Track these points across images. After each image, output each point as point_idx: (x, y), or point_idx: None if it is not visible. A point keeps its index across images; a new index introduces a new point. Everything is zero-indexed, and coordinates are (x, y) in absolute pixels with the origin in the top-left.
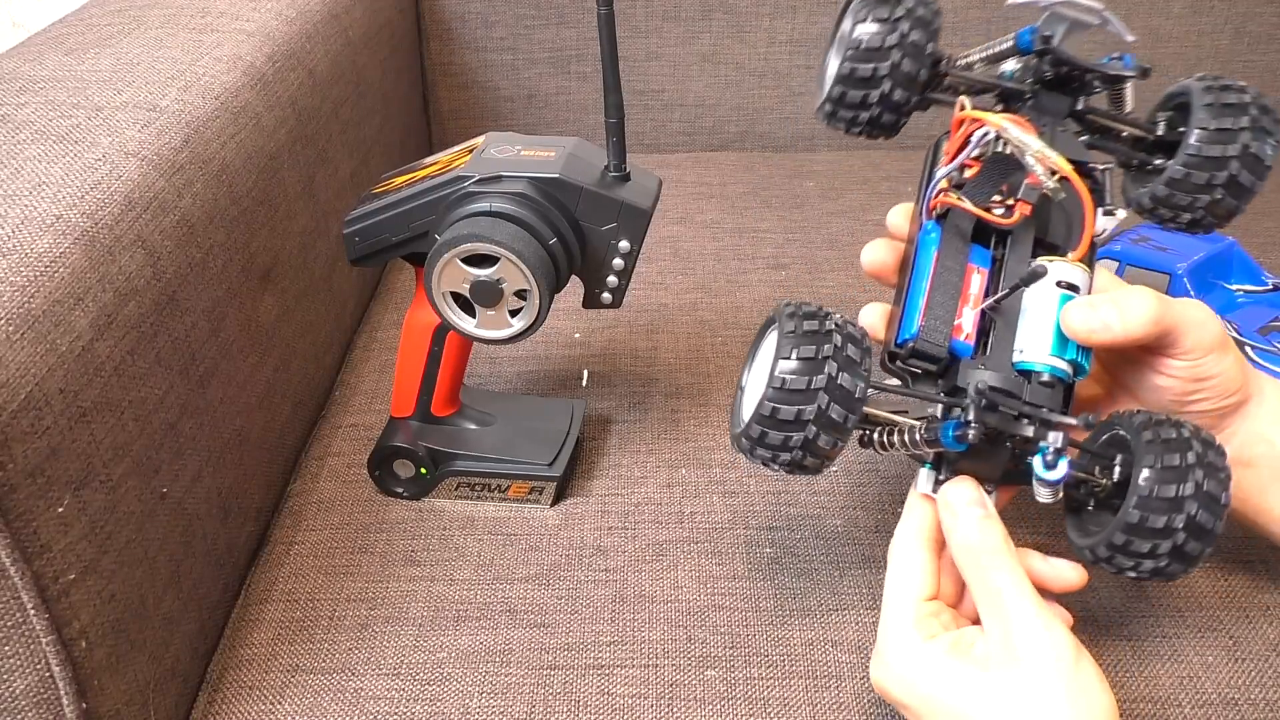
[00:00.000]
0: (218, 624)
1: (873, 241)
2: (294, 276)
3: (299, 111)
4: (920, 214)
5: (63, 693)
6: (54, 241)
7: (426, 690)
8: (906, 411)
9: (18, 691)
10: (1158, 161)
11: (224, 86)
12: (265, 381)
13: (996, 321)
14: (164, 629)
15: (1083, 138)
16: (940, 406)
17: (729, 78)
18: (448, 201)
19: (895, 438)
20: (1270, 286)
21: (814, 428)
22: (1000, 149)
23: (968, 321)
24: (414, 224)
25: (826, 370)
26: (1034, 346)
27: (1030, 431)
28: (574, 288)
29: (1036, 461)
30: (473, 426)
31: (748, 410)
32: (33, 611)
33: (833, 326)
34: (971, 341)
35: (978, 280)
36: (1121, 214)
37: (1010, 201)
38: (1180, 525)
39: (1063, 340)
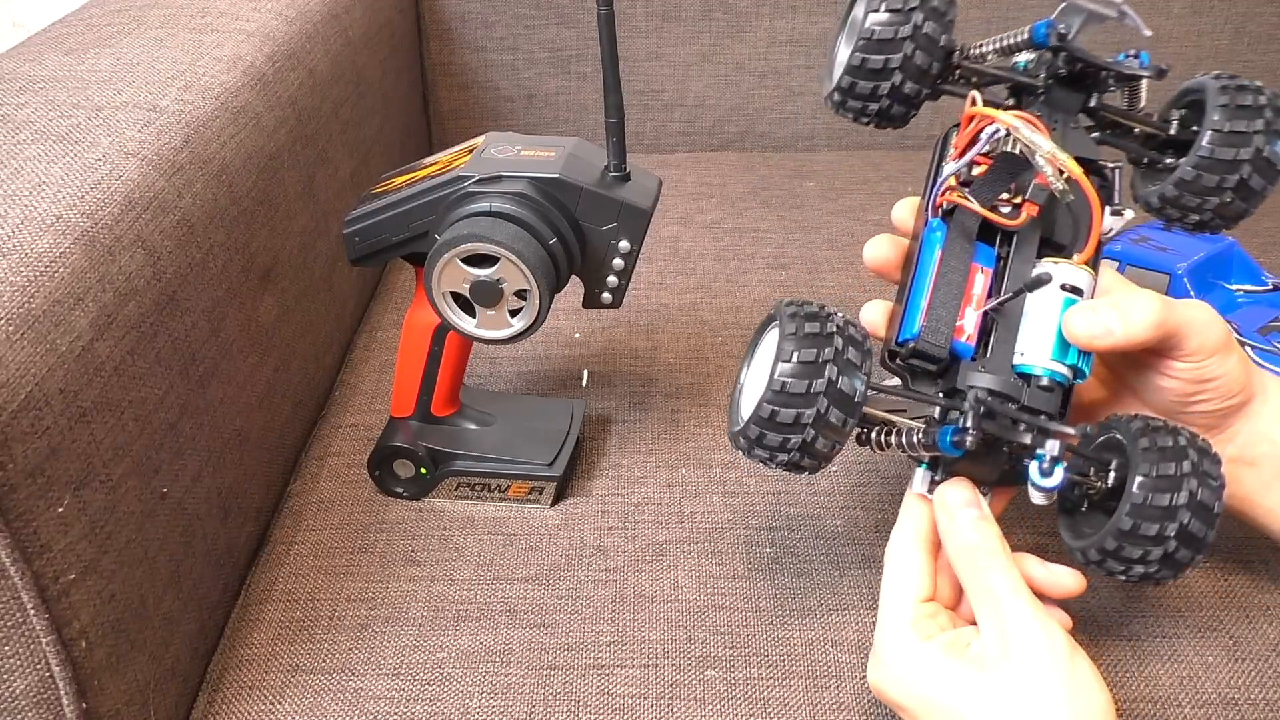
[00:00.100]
0: (218, 624)
1: (876, 237)
2: (294, 276)
3: (299, 111)
4: (926, 210)
5: (63, 693)
6: (54, 241)
7: (426, 690)
8: (905, 409)
9: (18, 691)
10: (1168, 160)
11: (224, 86)
12: (265, 381)
13: (998, 323)
14: (164, 629)
15: (1094, 134)
16: (938, 409)
17: (729, 78)
18: (448, 201)
19: (893, 438)
20: (1270, 286)
21: (812, 430)
22: (1010, 147)
23: (969, 322)
24: (414, 224)
25: (826, 374)
26: (1035, 350)
27: (1028, 439)
28: (574, 288)
29: (1033, 467)
30: (473, 426)
31: (746, 409)
32: (33, 611)
33: (834, 329)
34: (973, 343)
35: (981, 280)
36: (1129, 214)
37: (1018, 201)
38: (1172, 534)
39: (1064, 344)
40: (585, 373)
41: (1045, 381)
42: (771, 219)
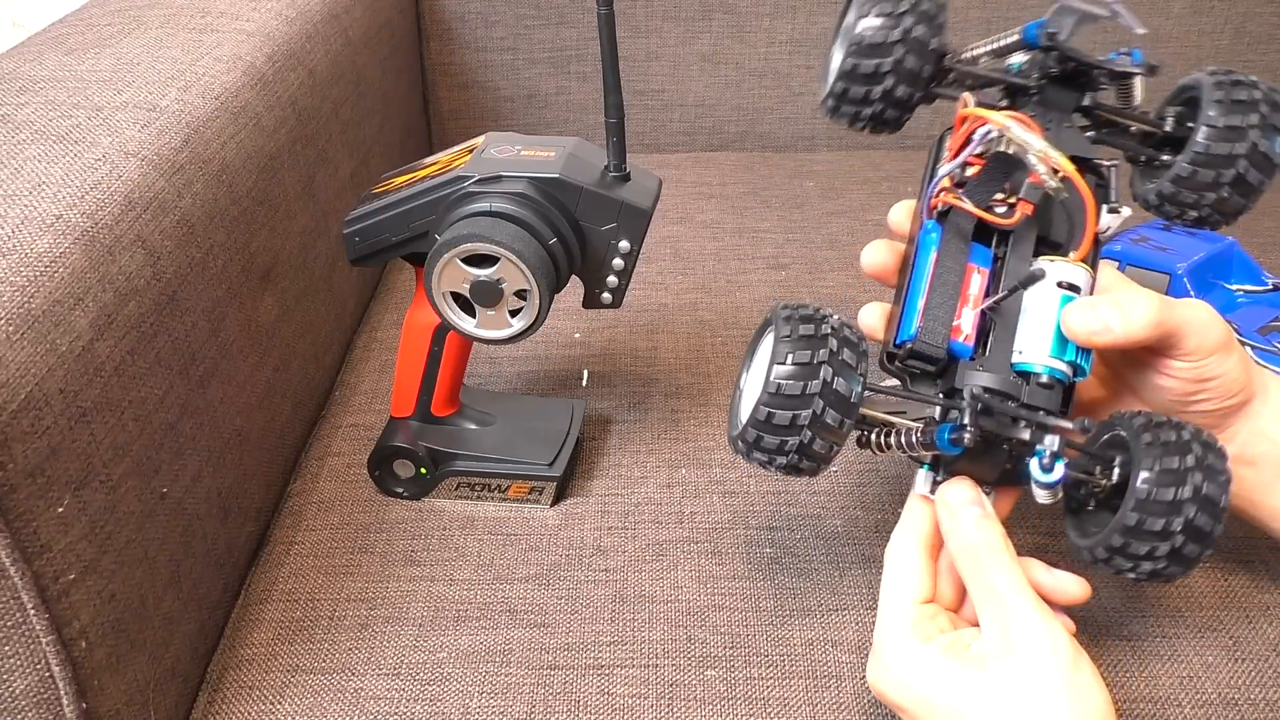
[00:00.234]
0: (218, 624)
1: (872, 243)
2: (294, 276)
3: (299, 111)
4: (921, 212)
5: (63, 693)
6: (54, 241)
7: (426, 690)
8: (905, 411)
9: (18, 691)
10: (1165, 157)
11: (224, 86)
12: (265, 381)
13: (996, 322)
14: (164, 629)
15: (1089, 133)
16: (938, 409)
17: (729, 78)
18: (448, 201)
19: (892, 439)
20: (1270, 286)
21: (809, 432)
22: (1003, 147)
23: (967, 322)
24: (414, 224)
25: (822, 375)
26: (1033, 348)
27: (1026, 435)
28: (574, 288)
29: (1034, 464)
30: (473, 426)
31: (744, 413)
32: (33, 611)
33: (829, 330)
34: (970, 343)
35: (978, 280)
36: (1126, 211)
37: (1012, 200)
38: (1178, 529)
39: (1062, 341)
40: (585, 373)
41: (1045, 379)
42: (771, 219)
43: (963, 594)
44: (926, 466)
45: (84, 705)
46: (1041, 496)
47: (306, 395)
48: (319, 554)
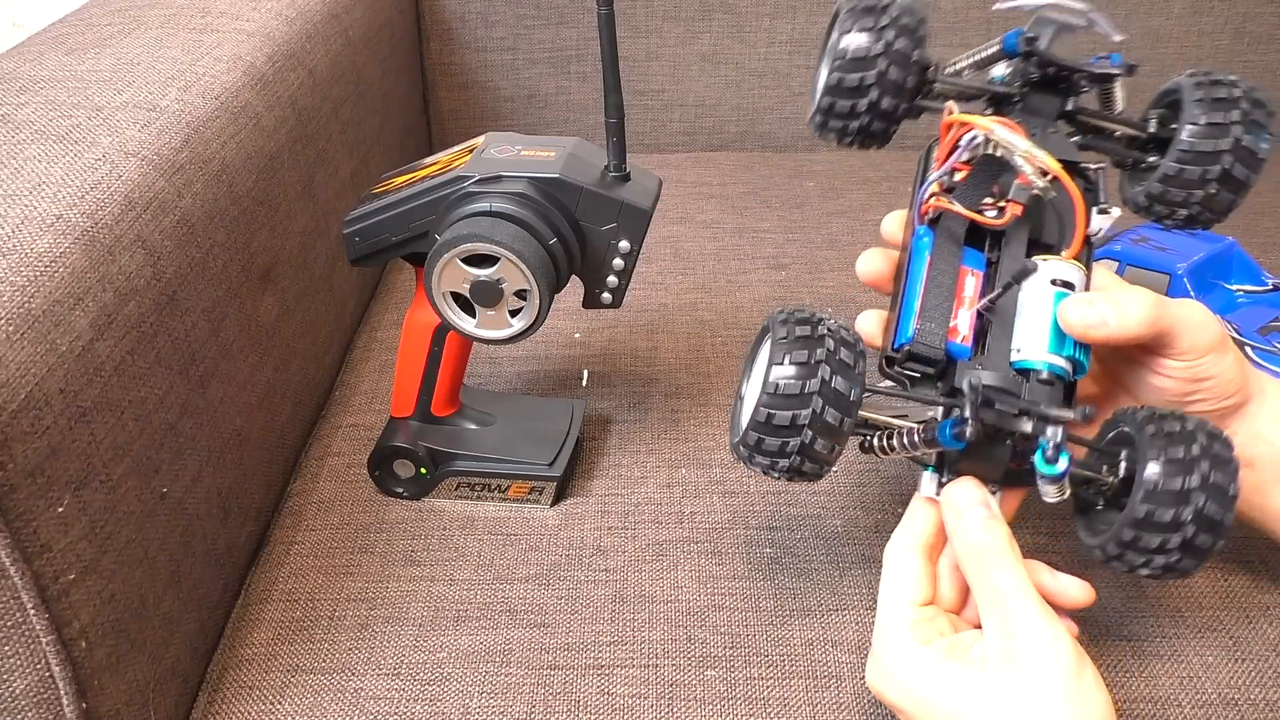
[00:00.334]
0: (218, 624)
1: (867, 251)
2: (294, 276)
3: (299, 111)
4: (913, 219)
5: (63, 693)
6: (54, 241)
7: (426, 690)
8: (906, 416)
9: (18, 691)
10: (1151, 159)
11: (224, 86)
12: (265, 381)
13: (992, 322)
14: (164, 629)
15: (1075, 138)
16: (939, 408)
17: (729, 78)
18: (448, 201)
19: (895, 441)
20: (1270, 286)
21: (810, 432)
22: (989, 151)
23: (963, 323)
24: (414, 224)
25: (820, 374)
26: (1031, 345)
27: (1028, 427)
28: (574, 288)
29: (1038, 458)
30: (473, 426)
31: (745, 418)
32: (33, 611)
33: (825, 331)
34: (968, 343)
35: (972, 283)
36: (1116, 212)
37: (1002, 203)
38: (1189, 518)
39: (1060, 337)
40: (585, 373)
41: (1045, 375)
42: (771, 219)
43: (965, 596)
44: (930, 468)
45: (84, 705)
46: (1049, 493)
47: (306, 395)
48: (319, 554)
